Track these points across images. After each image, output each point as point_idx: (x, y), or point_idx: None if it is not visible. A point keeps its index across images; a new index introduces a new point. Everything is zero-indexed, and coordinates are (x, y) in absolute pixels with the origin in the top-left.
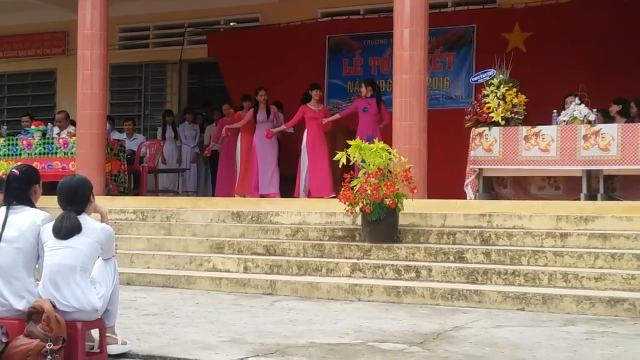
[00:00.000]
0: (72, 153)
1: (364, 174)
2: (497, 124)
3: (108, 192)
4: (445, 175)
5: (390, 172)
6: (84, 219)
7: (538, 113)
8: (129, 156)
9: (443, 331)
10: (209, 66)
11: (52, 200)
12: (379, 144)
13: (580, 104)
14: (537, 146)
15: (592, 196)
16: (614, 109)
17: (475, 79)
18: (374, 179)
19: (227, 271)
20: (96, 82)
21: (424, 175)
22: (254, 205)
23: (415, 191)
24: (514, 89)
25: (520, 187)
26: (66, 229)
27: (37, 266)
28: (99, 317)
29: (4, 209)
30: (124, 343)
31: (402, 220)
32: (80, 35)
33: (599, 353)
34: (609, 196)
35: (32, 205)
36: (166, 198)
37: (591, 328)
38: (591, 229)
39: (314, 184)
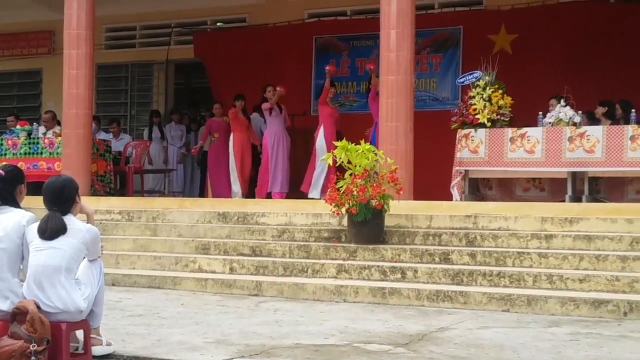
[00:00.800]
0: (57, 153)
1: (350, 175)
2: (483, 125)
3: (94, 193)
4: (431, 177)
5: (376, 173)
6: (69, 219)
7: (524, 115)
8: (115, 156)
9: (428, 332)
10: (195, 66)
11: (38, 201)
12: (365, 145)
13: (565, 106)
14: (522, 148)
15: (577, 198)
16: (599, 110)
17: (462, 80)
18: (360, 180)
19: (213, 272)
20: (82, 82)
21: (410, 177)
22: (240, 206)
23: (401, 192)
24: (500, 91)
25: (506, 188)
26: (51, 230)
27: (21, 267)
28: (84, 318)
29: None
30: (108, 344)
31: (388, 222)
32: (66, 34)
33: (583, 354)
34: (594, 198)
35: (17, 206)
36: (152, 199)
37: (575, 329)
38: (576, 230)
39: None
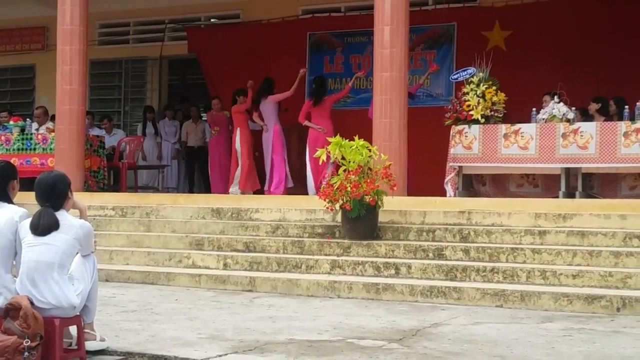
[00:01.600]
0: (51, 149)
1: (344, 171)
2: (476, 121)
3: (87, 189)
4: (425, 173)
5: (370, 169)
6: (62, 215)
7: (517, 111)
8: (109, 152)
9: (422, 328)
10: (189, 62)
11: (31, 196)
12: (359, 142)
13: (559, 102)
14: (516, 144)
15: (570, 194)
16: (593, 107)
17: (456, 77)
18: (354, 176)
19: (207, 268)
20: (76, 77)
21: (403, 173)
22: (234, 202)
23: (395, 188)
24: (494, 87)
25: (500, 184)
26: (43, 226)
27: (14, 263)
28: (77, 313)
29: None
30: (102, 340)
31: (382, 218)
32: (60, 30)
33: (576, 350)
34: (587, 194)
35: (10, 201)
36: (146, 194)
37: (569, 325)
38: (569, 226)
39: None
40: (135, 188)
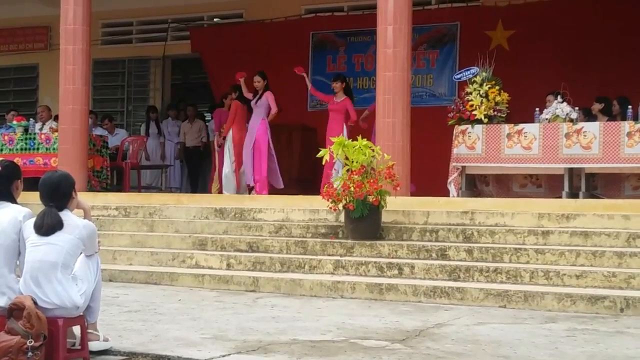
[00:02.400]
0: (54, 149)
1: (348, 171)
2: (480, 121)
3: (90, 189)
4: (428, 173)
5: (373, 169)
6: (66, 215)
7: (521, 111)
8: (112, 152)
9: (425, 328)
10: (192, 62)
11: (34, 196)
12: (362, 141)
13: (562, 102)
14: (519, 144)
15: (573, 194)
16: (596, 107)
17: (459, 76)
18: (357, 176)
19: (210, 268)
20: (79, 77)
21: (407, 173)
22: (237, 202)
23: (398, 188)
24: (497, 87)
25: (503, 184)
26: (47, 226)
27: (18, 263)
28: (81, 313)
29: None
30: (105, 340)
31: (385, 218)
32: (63, 30)
33: (579, 350)
34: (591, 194)
35: (14, 201)
36: (149, 194)
37: (572, 325)
38: (573, 226)
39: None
40: (138, 188)
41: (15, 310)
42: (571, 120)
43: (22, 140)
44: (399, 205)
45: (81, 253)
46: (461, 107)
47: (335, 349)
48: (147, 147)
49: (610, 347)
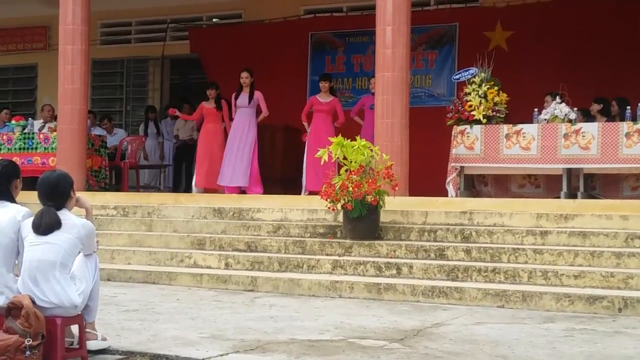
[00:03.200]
0: (52, 148)
1: (346, 171)
2: (478, 122)
3: (89, 188)
4: (426, 173)
5: (372, 169)
6: (64, 214)
7: (519, 111)
8: (111, 152)
9: (423, 328)
10: (191, 62)
11: (32, 196)
12: (361, 141)
13: (561, 103)
14: (518, 144)
15: (572, 194)
16: (595, 108)
17: (457, 77)
18: (355, 176)
19: (208, 267)
20: (77, 77)
21: (405, 173)
22: (236, 202)
23: (396, 188)
24: (496, 88)
25: (501, 185)
26: (45, 225)
27: (16, 262)
28: (79, 313)
29: None
30: (104, 339)
31: (384, 218)
32: (62, 30)
33: (577, 350)
34: (589, 194)
35: (13, 200)
36: (147, 194)
37: (570, 325)
38: (571, 227)
39: (313, 179)
40: (137, 187)
41: (14, 309)
42: (570, 121)
43: (20, 139)
44: (397, 205)
45: (80, 253)
46: (460, 108)
47: (334, 348)
48: (146, 147)
49: (608, 347)
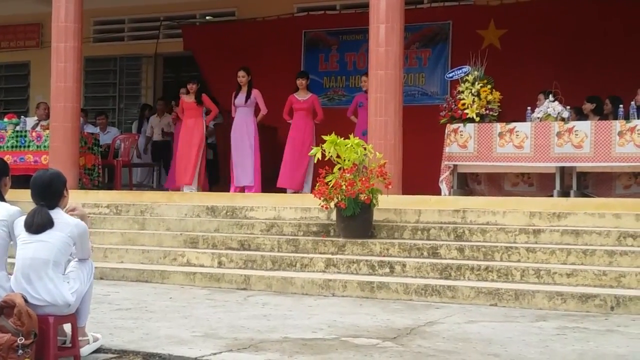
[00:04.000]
0: (45, 146)
1: (339, 169)
2: (471, 120)
3: (82, 186)
4: (420, 171)
5: (365, 167)
6: (57, 213)
7: (512, 110)
8: (104, 150)
9: (416, 326)
10: (184, 60)
11: (24, 194)
12: (354, 140)
13: (554, 101)
14: (511, 143)
15: (565, 193)
16: (587, 107)
17: (451, 75)
18: (349, 175)
19: (201, 266)
20: (70, 75)
21: (398, 171)
22: (229, 200)
23: (390, 187)
24: (489, 86)
25: (494, 183)
26: (37, 224)
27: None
28: (72, 312)
29: None
30: (95, 339)
31: (377, 216)
32: (55, 27)
33: (570, 348)
34: (582, 193)
35: (2, 199)
36: (140, 192)
37: (563, 324)
38: (564, 225)
39: (288, 176)
40: (129, 186)
41: (6, 307)
42: (563, 119)
43: (13, 137)
44: (390, 204)
45: (74, 257)
46: (453, 106)
47: (327, 347)
48: (139, 145)
49: (601, 345)
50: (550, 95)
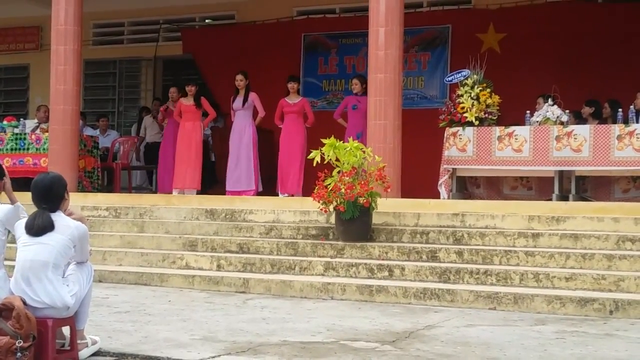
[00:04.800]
0: (44, 149)
1: (338, 172)
2: (471, 124)
3: (82, 189)
4: (419, 175)
5: (364, 171)
6: (58, 216)
7: (511, 113)
8: (103, 153)
9: (415, 330)
10: (184, 63)
11: (24, 197)
12: (353, 143)
13: (553, 105)
14: (510, 146)
15: (563, 197)
16: (586, 111)
17: (450, 79)
18: (348, 178)
19: (200, 269)
20: (70, 77)
21: (397, 175)
22: (228, 203)
23: (389, 190)
24: (488, 90)
25: (493, 187)
26: (38, 227)
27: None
28: (71, 314)
29: None
30: (94, 342)
31: (376, 219)
32: (54, 30)
33: (569, 352)
34: (581, 197)
35: None
36: (139, 195)
37: (562, 328)
38: (562, 229)
39: (287, 180)
40: (129, 189)
41: (5, 310)
42: (562, 123)
43: (12, 140)
44: (389, 207)
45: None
46: (452, 110)
47: (325, 350)
48: (138, 148)
49: (600, 349)
50: (550, 99)
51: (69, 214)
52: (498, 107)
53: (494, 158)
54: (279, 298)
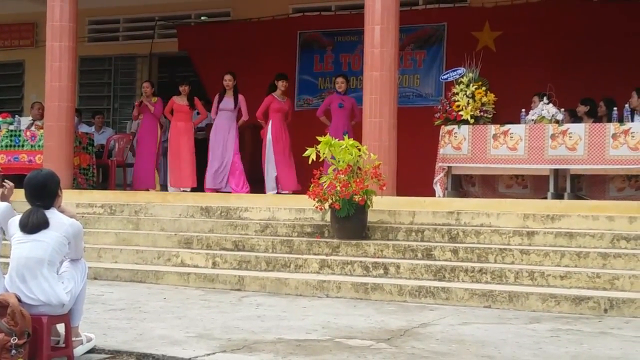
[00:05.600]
0: (39, 146)
1: (334, 170)
2: (466, 122)
3: (77, 186)
4: (414, 173)
5: (359, 168)
6: (52, 213)
7: (507, 112)
8: (98, 150)
9: (410, 328)
10: (179, 60)
11: (18, 194)
12: (348, 141)
13: (548, 104)
14: (505, 145)
15: (559, 195)
16: (581, 109)
17: (445, 77)
18: (343, 176)
19: (196, 266)
20: (65, 74)
21: (393, 173)
22: (223, 201)
23: (384, 188)
24: (484, 88)
25: (489, 185)
26: (32, 224)
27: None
28: (66, 312)
29: None
30: (89, 340)
31: (371, 217)
32: (49, 27)
33: (563, 351)
34: (576, 195)
35: None
36: (134, 192)
37: (556, 326)
38: (557, 227)
39: (284, 178)
40: (124, 186)
41: None
42: (557, 122)
43: (7, 137)
44: (384, 205)
45: (67, 258)
46: (448, 108)
47: (321, 348)
48: (133, 145)
49: (594, 347)
50: (545, 98)
51: (61, 211)
52: (493, 106)
53: (489, 156)
54: (274, 296)
